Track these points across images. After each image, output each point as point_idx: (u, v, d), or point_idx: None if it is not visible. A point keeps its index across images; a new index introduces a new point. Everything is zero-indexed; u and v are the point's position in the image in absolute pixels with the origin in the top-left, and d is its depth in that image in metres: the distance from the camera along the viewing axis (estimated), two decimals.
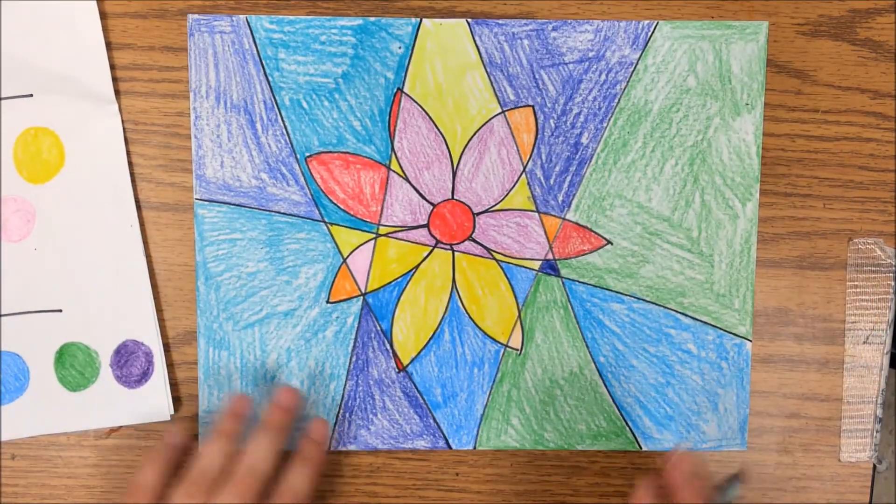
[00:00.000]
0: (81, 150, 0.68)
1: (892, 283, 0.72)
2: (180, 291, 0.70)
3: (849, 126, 0.71)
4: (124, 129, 0.69)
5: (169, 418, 0.70)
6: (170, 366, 0.71)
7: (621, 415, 0.72)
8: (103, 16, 0.68)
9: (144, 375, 0.70)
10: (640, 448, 0.72)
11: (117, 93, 0.69)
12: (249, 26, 0.68)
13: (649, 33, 0.69)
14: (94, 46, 0.67)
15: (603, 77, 0.69)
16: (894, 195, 0.72)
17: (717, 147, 0.70)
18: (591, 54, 0.69)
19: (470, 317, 0.71)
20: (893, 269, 0.72)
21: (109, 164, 0.69)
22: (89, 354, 0.69)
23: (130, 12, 0.68)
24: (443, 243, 0.70)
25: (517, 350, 0.71)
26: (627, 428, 0.72)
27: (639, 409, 0.72)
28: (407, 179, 0.70)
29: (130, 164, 0.69)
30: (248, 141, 0.69)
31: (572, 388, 0.71)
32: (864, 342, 0.73)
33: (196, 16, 0.68)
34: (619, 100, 0.69)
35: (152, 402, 0.70)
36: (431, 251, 0.70)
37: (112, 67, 0.68)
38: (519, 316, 0.71)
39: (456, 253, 0.70)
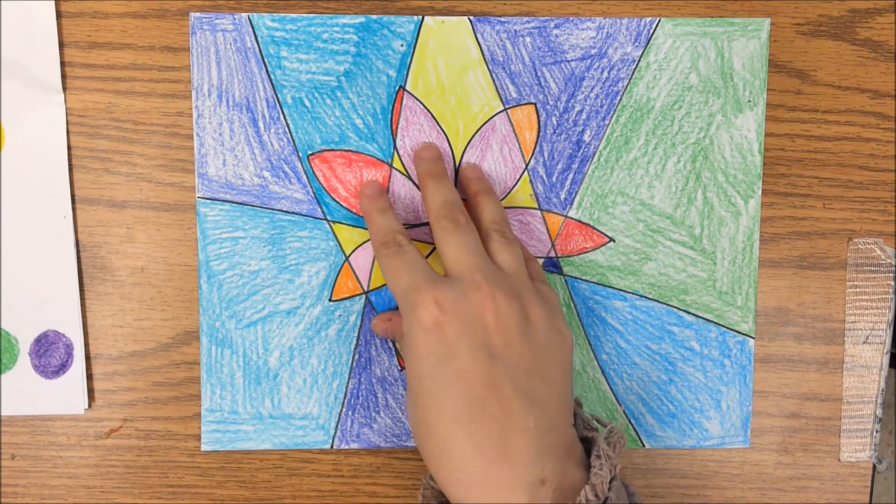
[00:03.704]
0: (22, 137, 0.68)
1: (892, 283, 0.72)
2: (180, 291, 0.70)
3: (849, 126, 0.72)
4: (68, 121, 0.69)
5: (83, 412, 0.70)
6: (181, 364, 0.70)
7: (624, 412, 0.72)
8: (103, 16, 0.68)
9: (63, 367, 0.70)
10: (643, 446, 0.72)
11: (118, 93, 0.69)
12: (251, 24, 0.68)
13: (651, 31, 0.69)
14: (47, 37, 0.67)
15: (605, 74, 0.69)
16: (894, 195, 0.72)
17: (719, 144, 0.70)
18: (593, 52, 0.69)
19: None
20: (893, 269, 0.72)
21: (49, 153, 0.68)
22: (9, 341, 0.69)
23: (130, 12, 0.68)
24: None
25: None
26: (630, 425, 0.72)
27: (641, 406, 0.72)
28: (409, 177, 0.70)
29: (71, 156, 0.69)
30: (250, 139, 0.69)
31: (575, 385, 0.71)
32: (864, 342, 0.73)
33: (198, 14, 0.68)
34: (621, 97, 0.69)
35: (68, 394, 0.70)
36: (433, 250, 0.70)
37: (112, 67, 0.68)
38: None
39: None
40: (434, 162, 0.68)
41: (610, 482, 0.56)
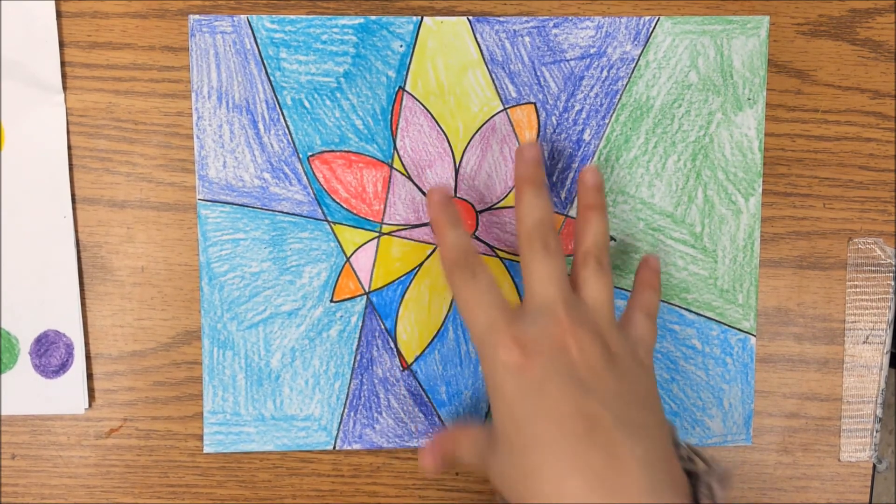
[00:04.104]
0: (22, 136, 0.68)
1: (892, 283, 0.72)
2: (180, 291, 0.70)
3: (849, 126, 0.72)
4: (68, 121, 0.69)
5: (83, 412, 0.70)
6: (177, 363, 0.70)
7: None
8: (103, 16, 0.68)
9: (63, 367, 0.70)
10: None
11: (118, 93, 0.69)
12: (251, 26, 0.68)
13: (650, 29, 0.69)
14: (47, 37, 0.68)
15: (604, 73, 0.69)
16: (894, 195, 0.72)
17: (719, 142, 0.70)
18: (592, 51, 0.69)
19: None
20: (893, 269, 0.72)
21: (49, 153, 0.68)
22: (10, 340, 0.69)
23: (130, 12, 0.68)
24: None
25: None
26: None
27: None
28: (409, 178, 0.70)
29: (71, 156, 0.69)
30: (250, 141, 0.69)
31: None
32: (864, 342, 0.73)
33: (197, 16, 0.68)
34: (620, 96, 0.70)
35: (68, 394, 0.70)
36: (435, 249, 0.70)
37: (112, 67, 0.68)
38: None
39: None
40: (536, 166, 0.65)
41: None
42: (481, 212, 0.70)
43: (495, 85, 0.69)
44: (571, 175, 0.70)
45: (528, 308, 0.61)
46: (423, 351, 0.71)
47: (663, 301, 0.71)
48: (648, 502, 0.54)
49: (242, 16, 0.68)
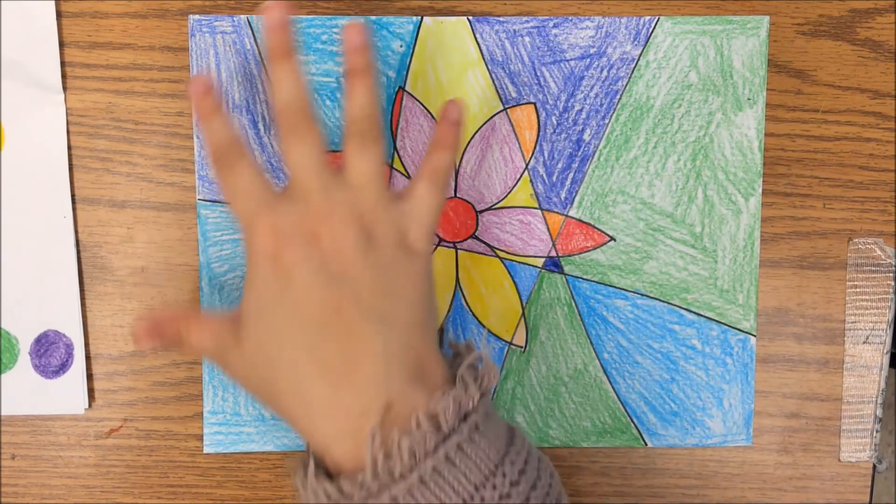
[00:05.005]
0: (22, 136, 0.68)
1: (892, 283, 0.72)
2: (181, 291, 0.70)
3: (849, 126, 0.72)
4: (68, 121, 0.69)
5: (82, 412, 0.70)
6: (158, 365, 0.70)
7: (626, 411, 0.72)
8: (103, 16, 0.68)
9: (63, 367, 0.70)
10: (646, 444, 0.72)
11: (118, 93, 0.69)
12: (251, 26, 0.68)
13: (650, 29, 0.69)
14: (47, 37, 0.68)
15: (604, 73, 0.69)
16: (894, 195, 0.72)
17: (719, 142, 0.70)
18: (592, 51, 0.69)
19: (473, 314, 0.71)
20: (893, 269, 0.72)
21: (49, 152, 0.68)
22: (9, 340, 0.69)
23: (130, 12, 0.68)
24: (445, 241, 0.70)
25: (521, 347, 0.71)
26: (632, 424, 0.72)
27: (643, 405, 0.72)
28: (409, 178, 0.69)
29: (71, 156, 0.69)
30: (250, 141, 0.69)
31: (577, 385, 0.71)
32: (864, 342, 0.73)
33: (197, 16, 0.68)
34: (620, 96, 0.69)
35: (68, 394, 0.70)
36: (434, 249, 0.70)
37: (112, 67, 0.68)
38: (523, 313, 0.71)
39: (459, 251, 0.70)
40: (285, 33, 0.61)
41: (465, 416, 0.56)
42: (481, 212, 0.70)
43: (495, 85, 0.69)
44: (571, 175, 0.70)
45: (287, 193, 0.60)
46: None
47: (664, 301, 0.71)
48: (379, 392, 0.55)
49: (242, 16, 0.68)
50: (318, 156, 0.60)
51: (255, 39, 0.68)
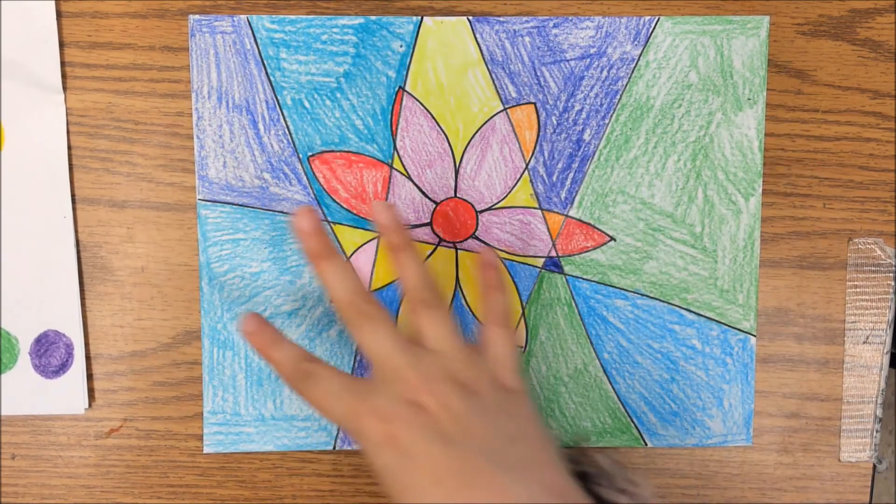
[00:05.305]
0: (22, 137, 0.68)
1: (892, 283, 0.72)
2: (180, 291, 0.70)
3: (849, 126, 0.72)
4: (68, 121, 0.69)
5: (82, 412, 0.70)
6: (179, 363, 0.70)
7: (626, 411, 0.72)
8: (103, 16, 0.68)
9: (63, 367, 0.70)
10: (646, 444, 0.72)
11: (118, 93, 0.69)
12: (251, 26, 0.68)
13: (650, 29, 0.69)
14: (47, 37, 0.68)
15: (604, 73, 0.69)
16: (894, 195, 0.72)
17: (719, 142, 0.70)
18: (592, 51, 0.69)
19: (474, 315, 0.71)
20: (893, 269, 0.72)
21: (49, 152, 0.69)
22: (10, 340, 0.69)
23: (130, 12, 0.68)
24: (446, 241, 0.70)
25: (521, 347, 0.71)
26: (632, 424, 0.72)
27: (643, 405, 0.72)
28: (409, 178, 0.70)
29: (71, 156, 0.69)
30: (250, 141, 0.69)
31: (577, 384, 0.71)
32: (864, 342, 0.73)
33: (197, 16, 0.68)
34: (620, 96, 0.69)
35: (68, 394, 0.70)
36: (434, 249, 0.70)
37: (112, 67, 0.68)
38: (523, 313, 0.71)
39: (459, 251, 0.70)
40: (319, 236, 0.63)
41: None
42: (481, 212, 0.70)
43: (495, 85, 0.69)
44: (571, 175, 0.70)
45: (376, 378, 0.60)
46: None
47: (664, 301, 0.71)
48: None
49: (242, 16, 0.68)
50: (394, 336, 0.60)
51: (254, 39, 0.68)
